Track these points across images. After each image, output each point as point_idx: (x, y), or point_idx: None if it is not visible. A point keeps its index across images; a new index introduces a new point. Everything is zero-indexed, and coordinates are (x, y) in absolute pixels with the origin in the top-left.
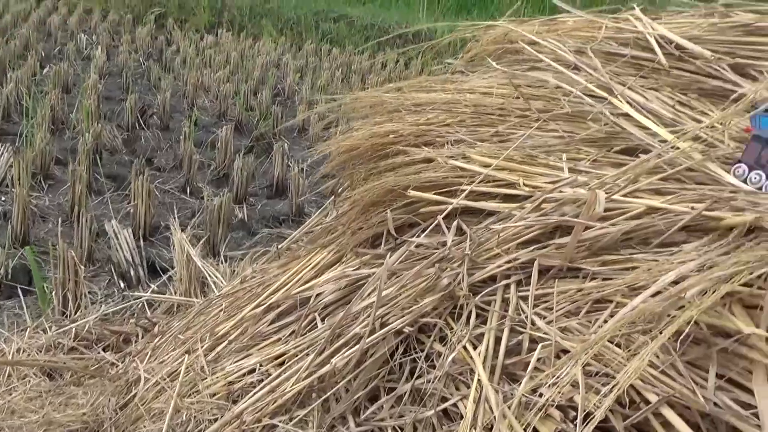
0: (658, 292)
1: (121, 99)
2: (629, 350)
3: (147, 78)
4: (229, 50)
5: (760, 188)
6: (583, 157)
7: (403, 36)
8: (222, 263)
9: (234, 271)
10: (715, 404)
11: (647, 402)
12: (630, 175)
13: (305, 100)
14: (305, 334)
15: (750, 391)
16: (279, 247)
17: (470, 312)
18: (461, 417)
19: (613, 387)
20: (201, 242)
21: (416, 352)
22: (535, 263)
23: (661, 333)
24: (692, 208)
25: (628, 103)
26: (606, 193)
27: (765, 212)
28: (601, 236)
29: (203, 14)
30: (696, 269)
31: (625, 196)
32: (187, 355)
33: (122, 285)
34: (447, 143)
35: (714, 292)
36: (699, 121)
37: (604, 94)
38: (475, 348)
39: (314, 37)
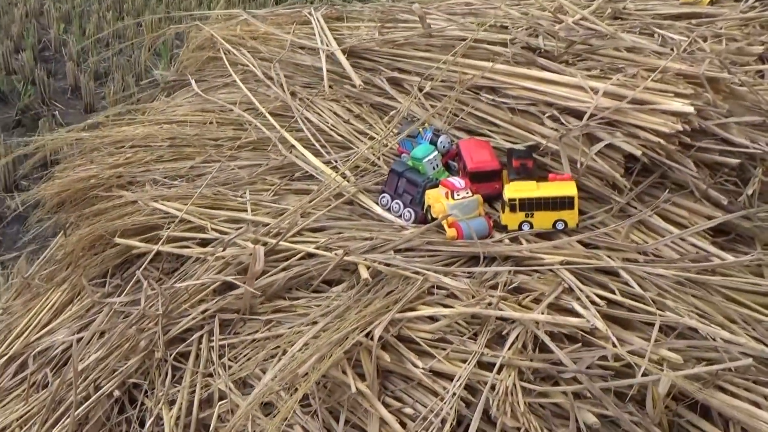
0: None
1: None
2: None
3: None
4: None
5: (400, 216)
6: (267, 187)
7: None
8: None
9: (9, 278)
10: None
11: None
12: (295, 218)
13: (74, 54)
14: (42, 389)
15: None
16: (25, 276)
17: (167, 371)
18: None
19: None
20: None
21: (132, 410)
22: (216, 318)
23: (293, 394)
24: (336, 254)
25: (305, 121)
26: (274, 239)
27: (383, 259)
28: (271, 283)
29: None
30: (324, 326)
31: (294, 235)
32: None
33: None
34: (147, 183)
35: (332, 354)
36: (368, 135)
37: (277, 125)
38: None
39: None
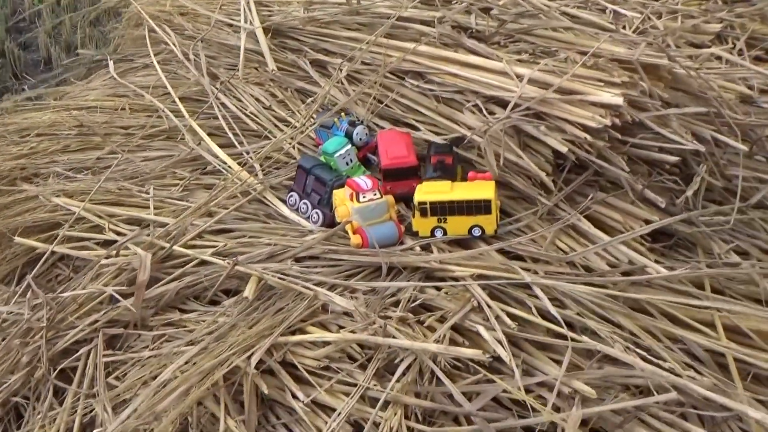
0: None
1: None
2: None
3: None
4: None
5: (308, 218)
6: (176, 182)
7: None
8: None
9: None
10: None
11: None
12: (190, 220)
13: (47, 24)
14: None
15: None
16: None
17: (48, 389)
18: None
19: None
20: None
21: (17, 431)
22: (100, 333)
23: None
24: (228, 262)
25: (221, 107)
26: (168, 242)
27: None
28: (163, 293)
29: None
30: (201, 349)
31: (193, 238)
32: None
33: None
34: (52, 176)
35: (203, 383)
36: (287, 123)
37: (185, 112)
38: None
39: None
